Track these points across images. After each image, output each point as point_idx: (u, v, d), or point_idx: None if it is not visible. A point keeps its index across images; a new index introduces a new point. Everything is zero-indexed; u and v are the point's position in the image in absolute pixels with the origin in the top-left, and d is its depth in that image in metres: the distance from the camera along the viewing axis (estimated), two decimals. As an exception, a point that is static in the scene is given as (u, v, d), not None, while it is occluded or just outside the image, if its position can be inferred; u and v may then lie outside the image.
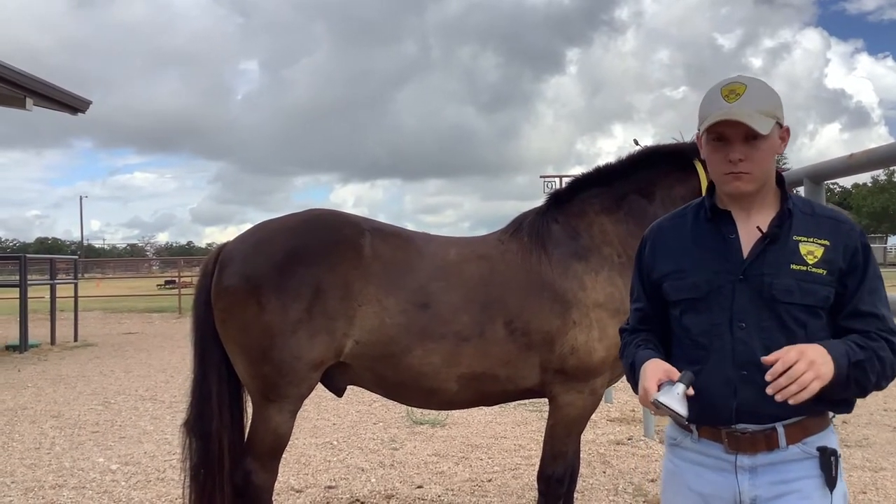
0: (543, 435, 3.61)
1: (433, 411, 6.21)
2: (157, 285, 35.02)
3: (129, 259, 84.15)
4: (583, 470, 4.54)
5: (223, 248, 3.49)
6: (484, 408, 5.82)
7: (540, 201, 3.77)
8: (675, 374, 1.83)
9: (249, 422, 3.43)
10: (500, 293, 3.37)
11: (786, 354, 1.70)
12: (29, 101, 12.08)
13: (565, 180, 7.96)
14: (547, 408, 3.58)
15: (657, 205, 3.53)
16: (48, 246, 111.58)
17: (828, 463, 1.83)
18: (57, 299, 14.83)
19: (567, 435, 3.50)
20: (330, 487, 5.03)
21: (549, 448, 3.52)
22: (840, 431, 1.97)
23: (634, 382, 1.96)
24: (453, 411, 6.57)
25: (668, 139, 3.73)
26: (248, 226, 4.03)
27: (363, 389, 3.59)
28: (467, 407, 3.72)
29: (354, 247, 3.33)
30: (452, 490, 4.93)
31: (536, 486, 3.57)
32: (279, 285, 3.21)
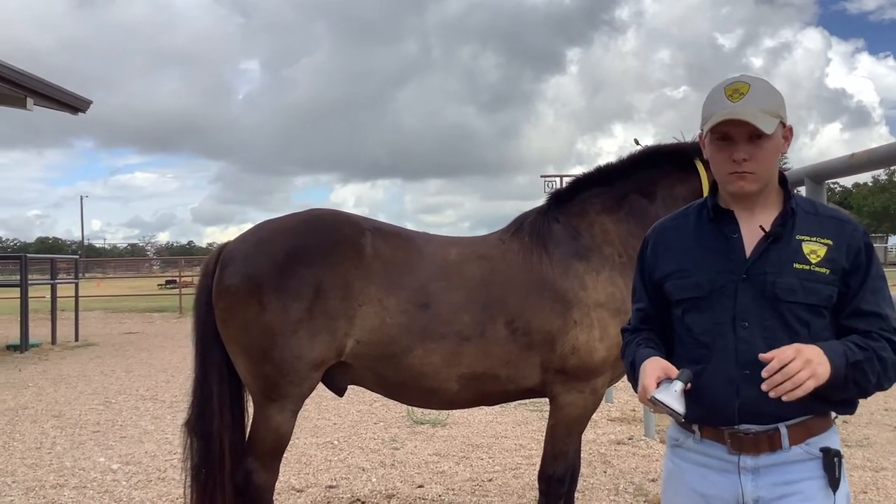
0: (544, 435, 3.61)
1: (434, 411, 6.21)
2: (158, 285, 35.00)
3: (129, 259, 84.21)
4: (583, 470, 4.54)
5: (224, 247, 3.49)
6: (485, 407, 5.82)
7: (541, 201, 3.77)
8: (674, 371, 1.83)
9: (250, 421, 3.44)
10: (500, 293, 3.37)
11: (782, 352, 1.70)
12: (30, 101, 12.08)
13: (566, 180, 7.98)
14: (547, 407, 3.57)
15: (658, 204, 3.53)
16: (49, 246, 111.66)
17: (831, 464, 1.82)
18: (58, 299, 14.83)
19: (568, 435, 3.50)
20: (331, 487, 5.03)
21: (549, 448, 3.52)
22: (841, 431, 1.96)
23: (634, 381, 1.96)
24: (454, 411, 6.56)
25: (668, 139, 3.73)
26: (248, 226, 4.04)
27: (364, 389, 3.59)
28: (468, 407, 3.72)
29: (355, 246, 3.33)
30: (453, 490, 4.93)
31: (537, 485, 3.57)
32: (280, 285, 3.21)
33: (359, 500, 4.78)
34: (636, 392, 1.95)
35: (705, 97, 1.93)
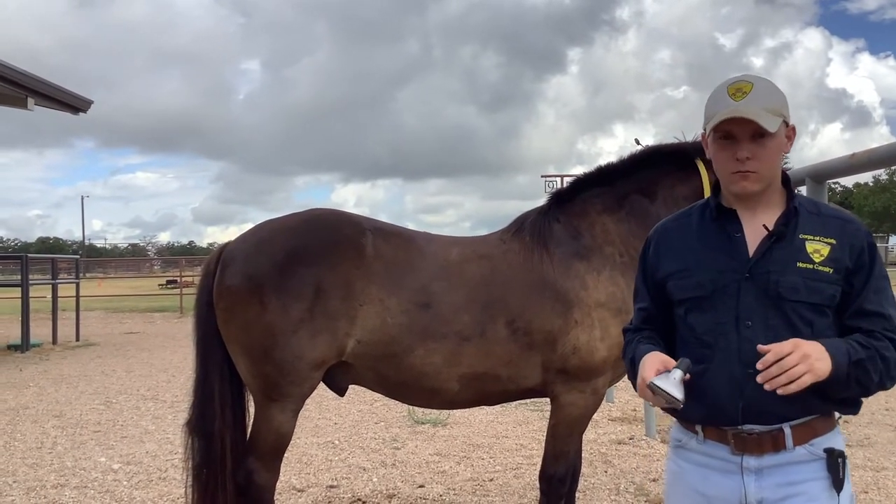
0: (545, 434, 3.61)
1: (435, 411, 6.21)
2: (159, 285, 34.99)
3: (130, 259, 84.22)
4: (584, 469, 4.53)
5: (225, 247, 3.49)
6: (485, 407, 5.82)
7: (541, 201, 3.76)
8: (674, 364, 1.82)
9: (251, 421, 3.44)
10: (501, 293, 3.37)
11: (780, 345, 1.70)
12: (30, 101, 12.09)
13: (566, 180, 7.97)
14: (548, 407, 3.57)
15: (659, 204, 3.53)
16: (50, 246, 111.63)
17: (835, 464, 1.82)
18: (59, 299, 14.84)
19: (569, 434, 3.50)
20: (332, 487, 5.04)
21: (550, 448, 3.52)
22: (841, 431, 1.96)
23: (634, 376, 1.95)
24: (455, 411, 6.56)
25: (669, 139, 3.72)
26: (249, 225, 4.04)
27: (365, 389, 3.60)
28: (469, 406, 3.72)
29: (356, 246, 3.33)
30: (454, 489, 4.93)
31: (538, 485, 3.57)
32: (281, 285, 3.22)
33: (360, 499, 4.78)
34: (636, 390, 1.95)
35: (707, 97, 1.93)
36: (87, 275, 39.23)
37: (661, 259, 2.04)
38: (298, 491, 4.95)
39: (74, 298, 15.50)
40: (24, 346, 13.02)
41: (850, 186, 69.51)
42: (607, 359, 3.35)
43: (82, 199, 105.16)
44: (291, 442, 3.46)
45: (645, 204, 3.56)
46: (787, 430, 1.83)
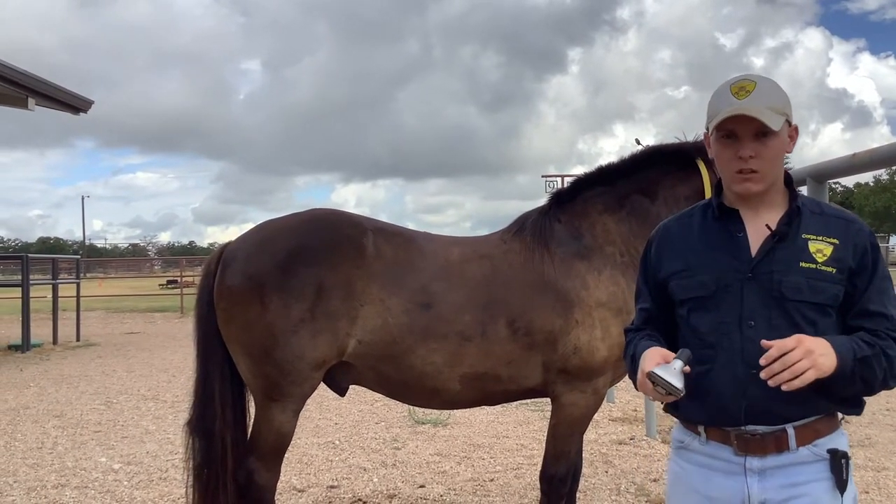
0: (546, 434, 3.61)
1: (435, 411, 6.21)
2: (160, 285, 34.97)
3: (131, 259, 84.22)
4: (585, 470, 4.53)
5: (225, 247, 3.49)
6: (486, 407, 5.82)
7: (542, 201, 3.76)
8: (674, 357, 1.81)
9: (252, 421, 3.44)
10: (502, 293, 3.37)
11: (783, 341, 1.69)
12: (31, 101, 12.10)
13: (567, 180, 7.96)
14: (549, 407, 3.57)
15: (660, 204, 3.53)
16: (50, 246, 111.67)
17: (839, 465, 1.81)
18: (59, 299, 14.85)
19: (570, 434, 3.50)
20: (332, 487, 5.03)
21: (551, 448, 3.52)
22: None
23: (635, 372, 1.93)
24: (455, 411, 6.57)
25: (670, 138, 3.72)
26: (250, 225, 4.04)
27: (365, 389, 3.59)
28: (470, 406, 3.72)
29: (357, 246, 3.33)
30: (455, 490, 4.93)
31: (539, 485, 3.57)
32: (282, 285, 3.21)
33: (360, 500, 4.78)
34: (636, 387, 1.94)
35: (710, 97, 1.92)
36: (88, 275, 39.24)
37: (662, 259, 2.03)
38: (299, 491, 4.95)
39: (75, 298, 15.50)
40: (24, 346, 13.03)
41: (851, 186, 69.57)
42: (608, 359, 3.35)
43: (83, 199, 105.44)
44: (292, 442, 3.46)
45: (646, 204, 3.56)
46: (791, 431, 1.82)
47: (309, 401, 3.46)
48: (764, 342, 1.71)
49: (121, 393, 8.75)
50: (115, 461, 5.72)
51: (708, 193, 3.35)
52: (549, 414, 3.60)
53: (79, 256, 21.97)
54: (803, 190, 3.49)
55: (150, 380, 9.69)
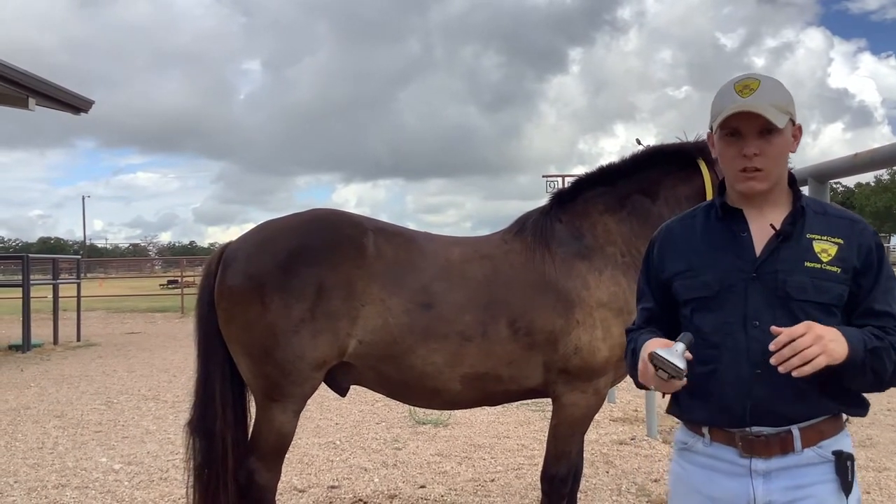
0: (547, 435, 3.60)
1: (436, 411, 6.21)
2: (160, 285, 34.98)
3: (131, 259, 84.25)
4: (586, 470, 4.53)
5: (226, 247, 3.49)
6: (487, 408, 5.82)
7: (543, 201, 3.76)
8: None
9: (253, 421, 3.43)
10: (503, 293, 3.36)
11: (793, 328, 1.68)
12: (31, 101, 12.10)
13: (568, 180, 7.97)
14: (550, 408, 3.57)
15: (661, 204, 3.53)
16: (51, 246, 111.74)
17: (844, 467, 1.80)
18: (60, 299, 14.85)
19: (570, 435, 3.50)
20: (333, 487, 5.03)
21: (552, 448, 3.52)
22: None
23: (635, 366, 1.90)
24: (456, 411, 6.56)
25: (671, 139, 3.72)
26: (250, 225, 4.03)
27: (366, 389, 3.59)
28: (470, 407, 3.72)
29: (357, 246, 3.33)
30: (455, 490, 4.92)
31: (540, 486, 3.57)
32: (282, 285, 3.21)
33: (361, 500, 4.78)
34: (637, 384, 1.93)
35: (712, 96, 1.92)
36: (89, 275, 39.24)
37: (665, 259, 2.02)
38: (300, 491, 4.94)
39: (75, 298, 15.50)
40: (25, 346, 13.03)
41: (852, 186, 69.53)
42: (609, 359, 3.34)
43: (83, 199, 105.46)
44: (293, 442, 3.46)
45: (647, 204, 3.56)
46: (796, 432, 1.81)
47: (310, 401, 3.46)
48: (773, 328, 1.69)
49: (121, 393, 8.75)
50: (116, 461, 5.72)
51: (709, 193, 3.35)
52: (549, 414, 3.60)
53: (79, 256, 21.99)
54: (805, 190, 3.49)
55: (150, 380, 9.69)
